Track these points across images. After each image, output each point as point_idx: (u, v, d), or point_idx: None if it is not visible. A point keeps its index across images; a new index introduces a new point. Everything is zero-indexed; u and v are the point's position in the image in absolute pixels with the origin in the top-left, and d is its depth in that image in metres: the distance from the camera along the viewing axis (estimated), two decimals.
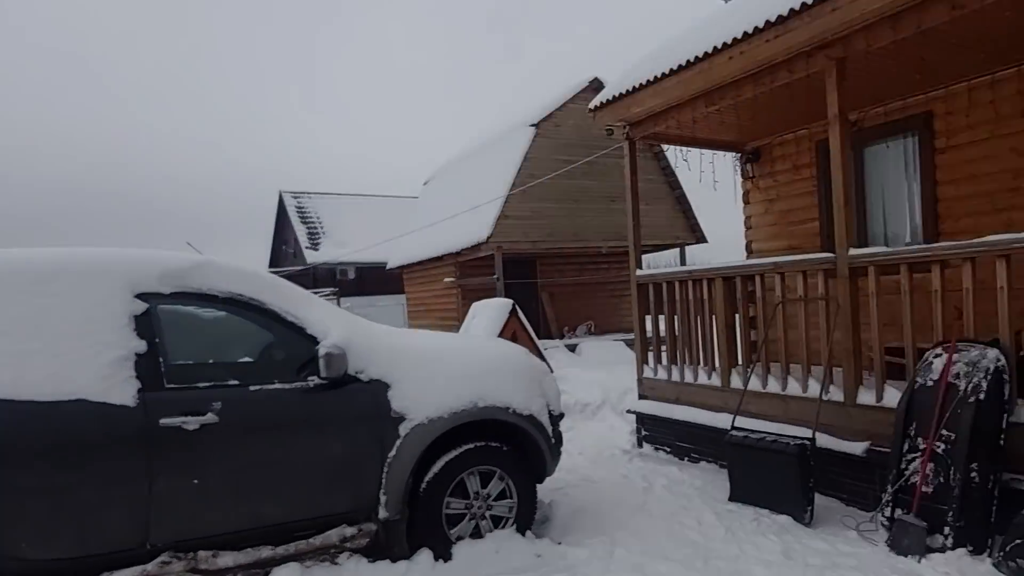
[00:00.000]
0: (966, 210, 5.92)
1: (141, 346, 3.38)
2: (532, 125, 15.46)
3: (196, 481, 3.37)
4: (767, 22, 4.78)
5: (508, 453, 4.27)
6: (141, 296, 3.47)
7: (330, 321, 3.89)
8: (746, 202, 8.01)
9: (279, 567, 3.61)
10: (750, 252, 8.02)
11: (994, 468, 3.86)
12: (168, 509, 3.32)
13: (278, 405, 3.62)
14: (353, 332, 3.93)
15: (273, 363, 3.88)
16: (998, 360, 3.96)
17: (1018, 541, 3.49)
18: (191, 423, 3.36)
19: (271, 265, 33.31)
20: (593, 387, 9.52)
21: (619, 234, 15.28)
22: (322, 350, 3.66)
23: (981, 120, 5.76)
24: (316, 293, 17.52)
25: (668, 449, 6.58)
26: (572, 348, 14.65)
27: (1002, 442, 3.89)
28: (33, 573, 3.13)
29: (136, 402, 3.28)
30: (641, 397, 6.94)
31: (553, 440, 4.54)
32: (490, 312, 10.19)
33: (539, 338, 15.55)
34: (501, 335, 9.92)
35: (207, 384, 3.51)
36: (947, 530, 3.83)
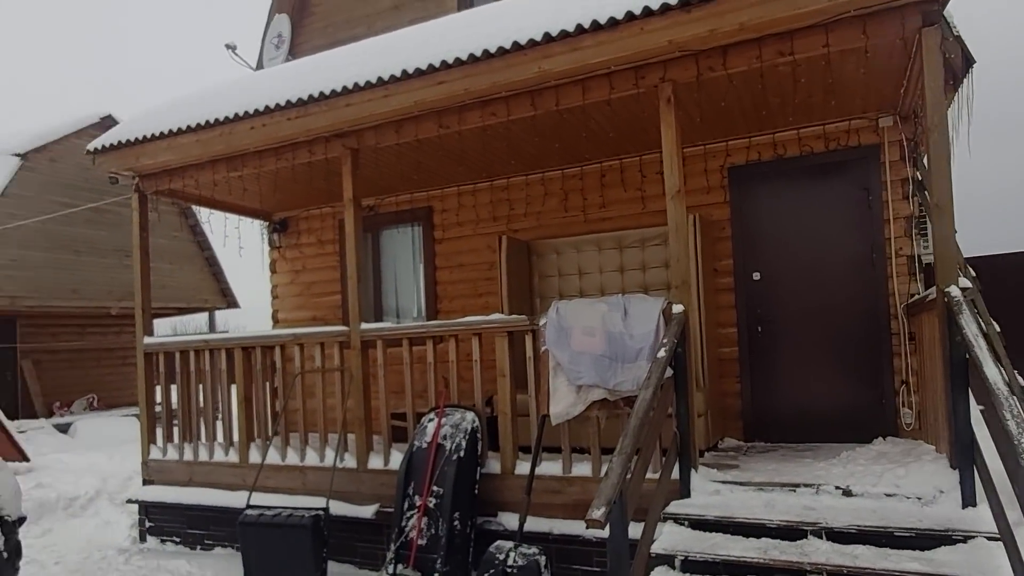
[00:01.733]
0: (457, 292, 7.04)
1: None
2: (16, 155, 12.65)
3: None
4: (288, 102, 4.97)
5: None
6: None
7: None
8: (273, 271, 8.01)
9: None
10: (276, 321, 7.99)
11: (472, 515, 4.55)
12: None
13: None
14: None
15: None
16: (474, 422, 4.72)
17: (487, 574, 4.11)
18: None
19: None
20: (87, 475, 8.16)
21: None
22: None
23: (467, 219, 7.00)
24: None
25: (178, 539, 6.02)
26: (64, 428, 12.18)
27: (476, 491, 4.62)
28: None
29: None
30: (146, 482, 6.23)
31: (6, 554, 3.68)
32: None
33: (19, 417, 12.55)
34: None
35: None
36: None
